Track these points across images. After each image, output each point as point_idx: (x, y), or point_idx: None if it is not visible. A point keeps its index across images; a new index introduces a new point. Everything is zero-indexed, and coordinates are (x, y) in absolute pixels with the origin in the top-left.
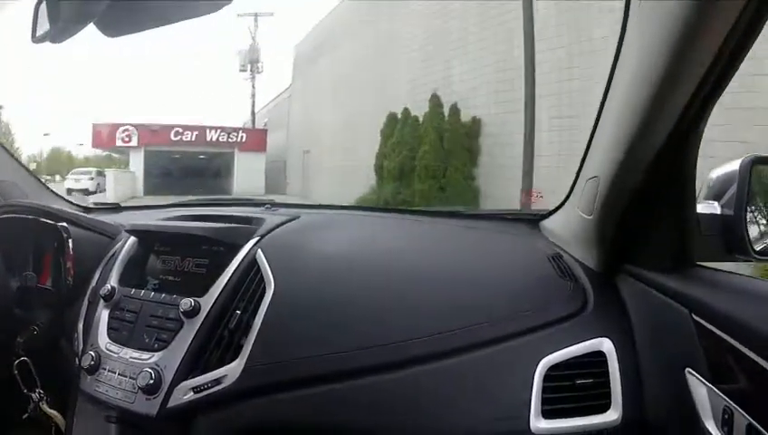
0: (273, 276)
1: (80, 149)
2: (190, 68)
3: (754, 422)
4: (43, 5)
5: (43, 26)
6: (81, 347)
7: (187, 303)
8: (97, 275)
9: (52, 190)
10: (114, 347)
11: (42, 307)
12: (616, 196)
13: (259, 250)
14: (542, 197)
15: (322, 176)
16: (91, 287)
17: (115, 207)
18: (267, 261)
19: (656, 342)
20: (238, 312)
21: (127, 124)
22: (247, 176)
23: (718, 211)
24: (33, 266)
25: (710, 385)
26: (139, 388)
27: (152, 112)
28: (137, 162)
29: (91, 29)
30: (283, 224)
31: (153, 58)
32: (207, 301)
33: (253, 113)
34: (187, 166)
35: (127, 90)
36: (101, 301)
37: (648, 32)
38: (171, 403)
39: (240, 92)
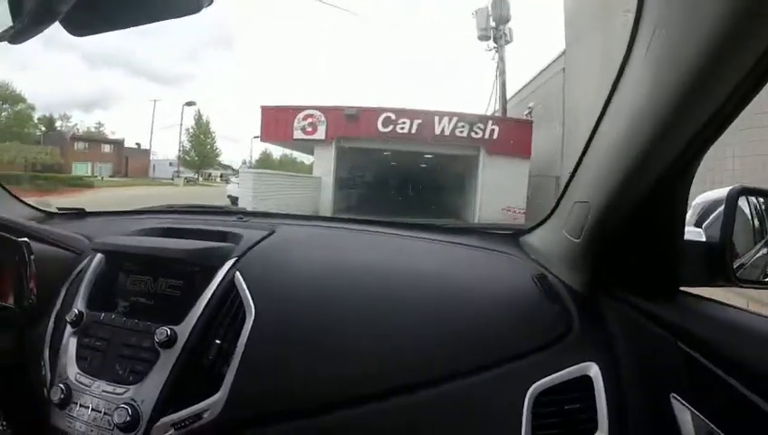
0: (254, 301)
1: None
2: (406, 39)
3: None
4: (4, 1)
5: (4, 24)
6: (48, 377)
7: (162, 332)
8: (62, 296)
9: (12, 194)
10: (85, 379)
11: (4, 328)
12: (606, 222)
13: (237, 273)
14: (523, 213)
15: None
16: (56, 310)
17: (79, 213)
18: (246, 284)
19: (641, 366)
20: (218, 341)
21: (310, 107)
22: (498, 196)
23: (703, 238)
24: None
25: (694, 410)
26: (115, 425)
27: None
28: (324, 163)
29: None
30: (260, 241)
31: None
32: (184, 330)
33: (503, 97)
34: (401, 174)
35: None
36: (68, 326)
37: (656, 67)
38: None
39: (475, 70)
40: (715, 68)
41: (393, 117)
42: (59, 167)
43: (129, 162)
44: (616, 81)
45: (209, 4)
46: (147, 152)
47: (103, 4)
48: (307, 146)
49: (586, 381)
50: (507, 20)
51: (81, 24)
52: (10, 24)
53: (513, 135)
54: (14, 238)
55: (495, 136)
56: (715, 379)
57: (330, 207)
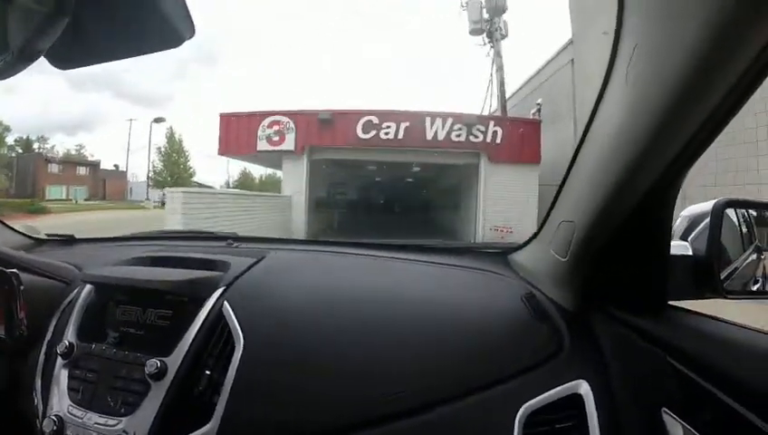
0: (242, 331)
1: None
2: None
3: None
4: None
5: None
6: (41, 409)
7: (152, 364)
8: (52, 327)
9: (1, 221)
10: (77, 411)
11: None
12: (592, 240)
13: (225, 303)
14: (511, 232)
15: None
16: (46, 340)
17: (69, 240)
18: (234, 314)
19: (631, 382)
20: (208, 372)
21: (277, 113)
22: (504, 211)
23: (690, 252)
24: None
25: (686, 424)
26: None
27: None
28: (295, 179)
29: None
30: (248, 269)
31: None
32: (174, 361)
33: (502, 96)
34: (387, 190)
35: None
36: (59, 358)
37: (638, 84)
38: None
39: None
40: (699, 81)
41: (375, 120)
42: (32, 190)
43: (107, 185)
44: (598, 99)
45: (190, 37)
46: (125, 174)
47: (86, 39)
48: (273, 159)
49: (577, 398)
50: (503, 11)
51: (64, 58)
52: None
53: (519, 138)
54: (2, 269)
55: (499, 140)
56: (704, 392)
57: (302, 233)
